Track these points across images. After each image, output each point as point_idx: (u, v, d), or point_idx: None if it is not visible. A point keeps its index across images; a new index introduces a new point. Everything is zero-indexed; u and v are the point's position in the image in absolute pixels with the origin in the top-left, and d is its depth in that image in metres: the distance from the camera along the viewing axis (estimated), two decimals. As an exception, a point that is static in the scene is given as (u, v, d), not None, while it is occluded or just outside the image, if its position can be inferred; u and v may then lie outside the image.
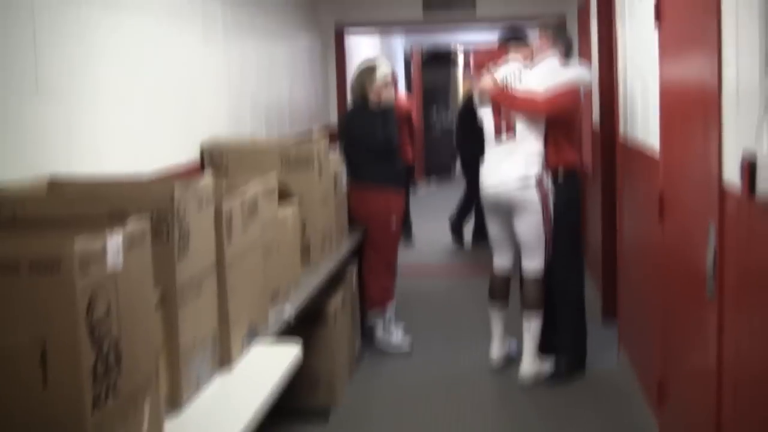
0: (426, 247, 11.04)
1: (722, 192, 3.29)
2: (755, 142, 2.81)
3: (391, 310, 6.76)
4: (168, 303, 2.93)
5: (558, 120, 5.87)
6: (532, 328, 6.03)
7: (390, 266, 6.78)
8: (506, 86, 5.90)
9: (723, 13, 3.27)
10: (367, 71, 6.68)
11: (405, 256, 9.08)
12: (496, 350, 6.35)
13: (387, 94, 6.68)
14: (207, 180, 3.27)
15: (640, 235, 5.37)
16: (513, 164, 5.85)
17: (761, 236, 2.83)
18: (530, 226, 5.89)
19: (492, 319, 6.34)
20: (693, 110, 3.81)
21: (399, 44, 16.60)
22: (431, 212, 13.55)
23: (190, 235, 3.04)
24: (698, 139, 3.68)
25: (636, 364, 5.62)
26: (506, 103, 5.86)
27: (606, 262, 7.08)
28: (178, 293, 2.95)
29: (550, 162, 5.89)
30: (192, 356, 3.10)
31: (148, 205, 2.87)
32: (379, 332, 6.75)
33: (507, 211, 5.96)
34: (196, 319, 3.15)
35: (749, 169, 2.76)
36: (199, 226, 3.15)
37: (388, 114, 6.62)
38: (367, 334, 6.76)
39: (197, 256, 3.13)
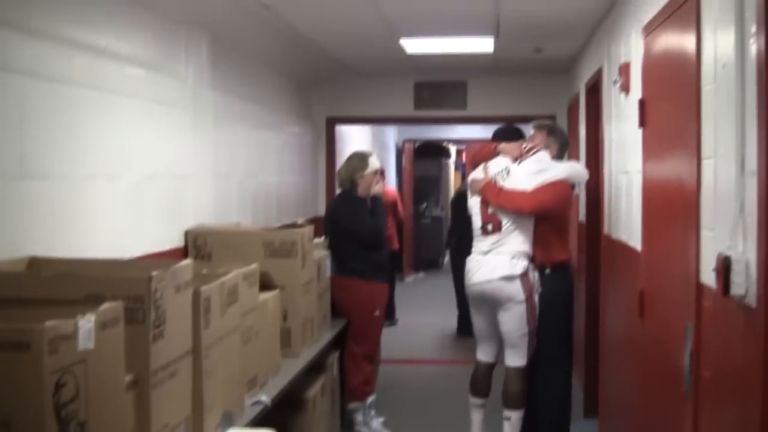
0: (411, 335, 11.01)
1: (699, 292, 3.32)
2: (730, 244, 2.86)
3: (371, 400, 6.73)
4: (141, 386, 2.92)
5: (547, 217, 5.85)
6: (512, 426, 5.95)
7: (371, 357, 6.76)
8: (494, 181, 5.90)
9: (702, 119, 3.35)
10: (359, 162, 6.74)
11: (389, 343, 9.06)
12: None
13: (376, 189, 6.75)
14: (186, 263, 3.29)
15: (621, 330, 5.38)
16: (498, 260, 5.80)
17: (736, 336, 2.86)
18: (514, 322, 5.81)
19: (471, 413, 6.27)
20: (673, 211, 3.86)
21: (391, 136, 16.75)
22: (418, 301, 13.59)
23: (167, 318, 3.04)
24: (678, 239, 3.72)
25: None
26: (491, 200, 5.84)
27: (588, 357, 7.08)
28: (151, 376, 2.94)
29: (537, 259, 5.86)
30: (163, 441, 3.10)
31: (124, 287, 2.88)
32: (359, 422, 6.71)
33: (491, 305, 5.91)
34: (170, 403, 3.13)
35: (724, 270, 2.79)
36: (176, 309, 3.16)
37: (376, 206, 6.67)
38: (347, 423, 6.72)
39: (173, 339, 3.13)
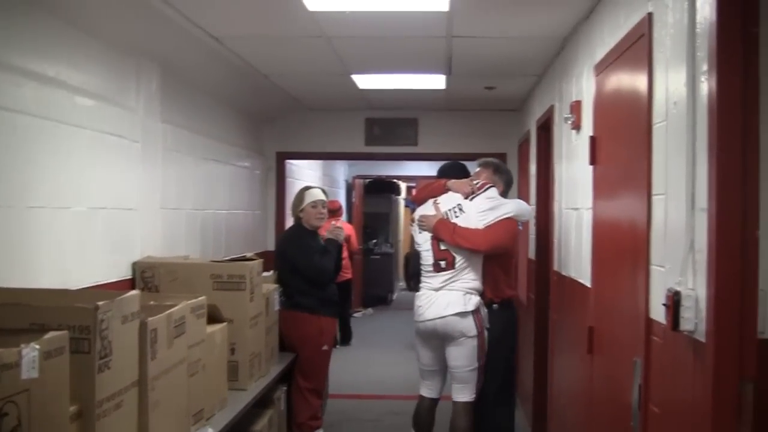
0: (359, 370, 10.96)
1: (649, 327, 3.35)
2: (680, 280, 2.88)
3: (319, 436, 6.69)
4: (85, 417, 2.87)
5: (496, 254, 5.86)
6: None
7: (319, 392, 6.71)
8: (447, 218, 5.89)
9: (653, 156, 3.39)
10: (297, 199, 6.73)
11: (337, 377, 9.02)
12: None
13: (336, 234, 6.74)
14: (133, 294, 3.26)
15: (570, 366, 5.40)
16: (451, 297, 5.78)
17: (685, 371, 2.88)
18: (465, 358, 5.80)
19: None
20: (623, 247, 3.89)
21: (341, 172, 16.75)
22: (367, 337, 13.57)
23: (113, 348, 3.00)
24: (627, 275, 3.75)
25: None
26: (446, 237, 5.81)
27: (537, 393, 7.08)
28: (96, 408, 2.90)
29: (486, 295, 5.87)
30: (107, 474, 3.04)
31: (70, 316, 2.85)
32: (307, 457, 6.66)
33: (441, 340, 5.89)
34: (114, 435, 3.10)
35: (674, 305, 2.83)
36: (123, 340, 3.12)
37: (330, 247, 6.64)
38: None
39: (119, 370, 3.09)
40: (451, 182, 6.05)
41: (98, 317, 2.88)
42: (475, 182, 5.99)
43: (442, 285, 5.83)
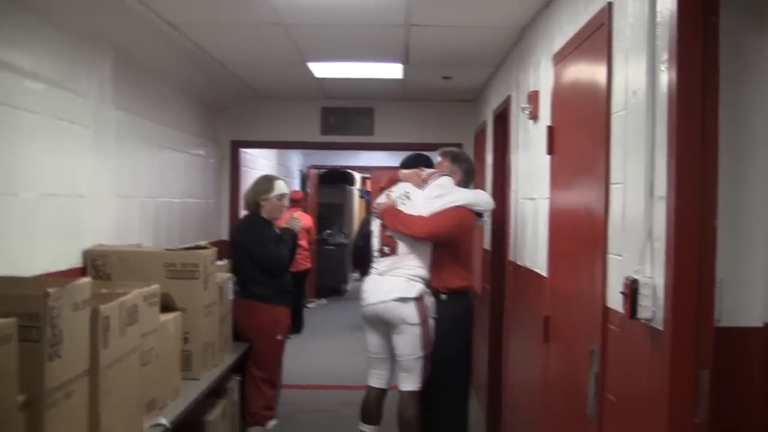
0: (313, 361, 10.94)
1: (606, 316, 3.35)
2: (638, 268, 2.88)
3: (272, 425, 6.63)
4: (34, 407, 2.80)
5: (444, 243, 5.85)
6: None
7: (273, 382, 6.67)
8: (395, 205, 5.93)
9: (612, 145, 3.39)
10: (265, 184, 6.68)
11: (291, 368, 8.98)
12: None
13: (293, 224, 6.70)
14: (84, 281, 3.19)
15: (525, 356, 5.40)
16: (393, 282, 5.82)
17: (642, 359, 2.88)
18: (408, 346, 5.80)
19: None
20: (580, 236, 3.89)
21: (296, 161, 16.67)
22: (321, 327, 13.55)
23: (64, 337, 2.94)
24: (584, 264, 3.74)
25: (518, 489, 5.60)
26: (388, 223, 5.88)
27: (492, 383, 7.08)
28: (45, 397, 2.83)
29: (433, 284, 5.87)
30: (57, 464, 2.98)
31: (19, 303, 2.78)
32: (260, 447, 6.62)
33: (386, 327, 5.90)
34: (65, 425, 3.02)
35: (632, 293, 2.83)
36: (74, 328, 3.06)
37: (286, 237, 6.60)
38: (247, 448, 6.62)
39: (70, 359, 3.03)
40: (403, 172, 6.11)
41: (48, 304, 2.81)
42: (424, 171, 6.01)
43: (385, 270, 5.89)
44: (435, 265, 5.88)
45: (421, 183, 5.97)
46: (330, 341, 12.39)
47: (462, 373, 6.03)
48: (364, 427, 6.20)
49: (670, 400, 2.61)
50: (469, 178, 6.17)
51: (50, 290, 2.83)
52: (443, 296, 5.87)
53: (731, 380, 2.71)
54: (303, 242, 12.41)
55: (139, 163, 6.33)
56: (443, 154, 6.16)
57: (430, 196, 5.87)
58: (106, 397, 3.37)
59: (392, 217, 5.87)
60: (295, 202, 13.56)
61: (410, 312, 5.73)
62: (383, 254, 5.94)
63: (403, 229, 5.80)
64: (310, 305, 15.48)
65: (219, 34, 6.25)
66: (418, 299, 5.75)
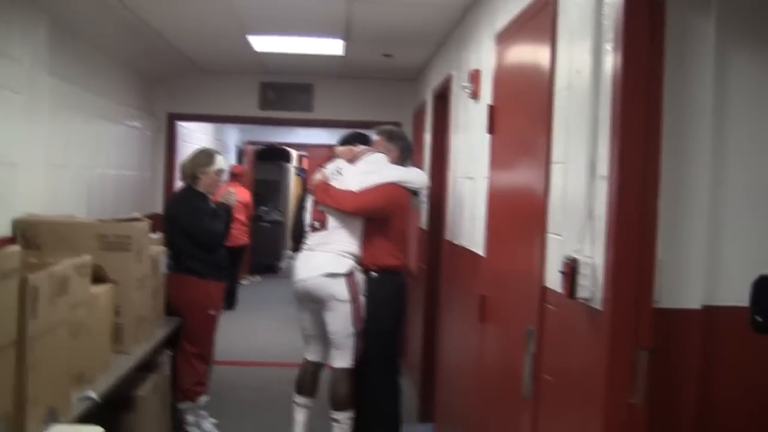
0: (246, 337, 10.88)
1: (543, 296, 3.34)
2: (578, 248, 2.87)
3: (203, 401, 6.58)
4: (-43, 377, 2.75)
5: (374, 219, 5.82)
6: (340, 428, 5.91)
7: (205, 357, 6.60)
8: (326, 181, 5.92)
9: (554, 124, 3.37)
10: (205, 158, 6.58)
11: (223, 344, 8.91)
12: None
13: (230, 199, 6.64)
14: (12, 250, 3.12)
15: (460, 335, 5.39)
16: (322, 258, 5.80)
17: (580, 339, 2.88)
18: (337, 322, 5.78)
19: (295, 412, 6.19)
20: (519, 216, 3.88)
21: (233, 137, 16.55)
22: (255, 304, 13.50)
23: (-11, 306, 2.88)
24: (523, 243, 3.73)
25: (449, 468, 5.61)
26: (318, 197, 5.88)
27: (425, 362, 7.08)
28: (-31, 367, 2.78)
29: (363, 261, 5.85)
30: (-20, 437, 2.92)
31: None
32: (191, 423, 6.55)
33: (316, 303, 5.88)
34: (-11, 396, 2.97)
35: (570, 273, 2.82)
36: (1, 297, 3.00)
37: (221, 211, 6.53)
38: (178, 423, 6.54)
39: (-4, 329, 2.97)
40: (337, 149, 6.14)
41: (-26, 272, 2.75)
42: (358, 148, 6.03)
43: (315, 245, 5.87)
44: (365, 242, 5.85)
45: (354, 159, 5.95)
46: (263, 318, 12.34)
47: (391, 352, 5.99)
48: (298, 398, 6.19)
49: (608, 381, 2.60)
50: (405, 157, 6.13)
51: (-24, 258, 2.76)
52: (373, 274, 5.84)
53: (668, 362, 2.71)
54: (241, 217, 12.49)
55: (74, 133, 6.22)
56: (379, 133, 6.14)
57: (362, 171, 5.86)
58: (33, 368, 3.30)
59: (322, 191, 5.86)
60: (235, 177, 13.62)
61: (340, 288, 5.72)
62: (314, 229, 5.92)
63: (332, 203, 5.79)
64: (243, 282, 15.37)
65: (158, 2, 6.13)
66: (348, 275, 5.73)
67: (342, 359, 5.86)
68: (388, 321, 5.90)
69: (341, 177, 5.90)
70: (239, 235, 12.44)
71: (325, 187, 5.87)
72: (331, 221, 5.84)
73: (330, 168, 6.03)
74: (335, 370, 5.91)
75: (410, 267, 6.07)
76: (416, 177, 6.00)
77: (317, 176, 6.05)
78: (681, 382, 2.74)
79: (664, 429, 2.71)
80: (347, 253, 5.78)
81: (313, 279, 5.78)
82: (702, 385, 2.76)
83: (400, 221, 5.91)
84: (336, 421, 5.91)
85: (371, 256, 5.83)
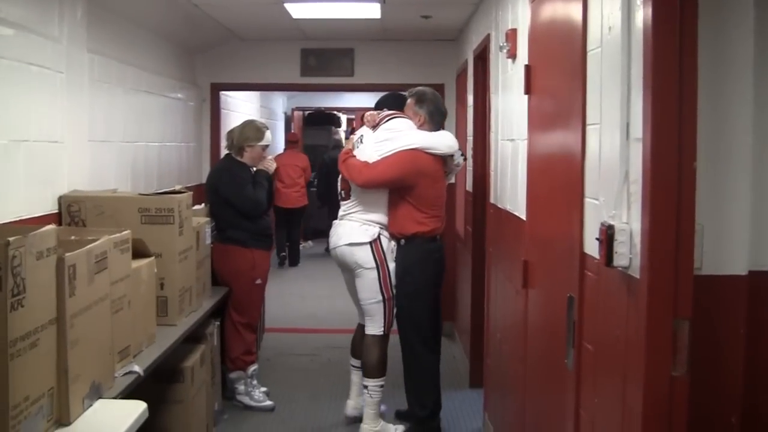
0: (295, 304, 10.93)
1: (583, 263, 3.27)
2: (615, 213, 2.79)
3: (253, 370, 6.61)
4: (-3, 357, 2.77)
5: (400, 187, 5.78)
6: (369, 395, 5.94)
7: (253, 326, 6.63)
8: (352, 149, 5.95)
9: (588, 84, 3.27)
10: (255, 132, 6.58)
11: (272, 312, 8.96)
12: (351, 408, 6.28)
13: (262, 163, 6.62)
14: (48, 229, 3.12)
15: (505, 301, 5.34)
16: (347, 228, 5.87)
17: (619, 308, 2.80)
18: (366, 290, 5.83)
19: (351, 374, 6.26)
20: (558, 179, 3.80)
21: (280, 103, 16.54)
22: (305, 270, 13.58)
23: (27, 286, 2.88)
24: (562, 207, 3.66)
25: (500, 430, 5.57)
26: (339, 167, 5.95)
27: (475, 327, 7.04)
28: (9, 347, 2.79)
29: (390, 228, 5.86)
30: (24, 414, 2.93)
31: (-21, 253, 2.73)
32: (241, 392, 6.59)
33: (348, 271, 5.98)
34: (31, 375, 2.98)
35: (607, 239, 2.73)
36: (38, 277, 3.00)
37: (260, 178, 6.51)
38: (228, 393, 6.59)
39: (35, 308, 2.98)
40: (365, 114, 6.08)
41: (9, 254, 2.75)
42: (379, 113, 5.98)
43: (343, 214, 5.96)
44: (391, 210, 5.87)
45: (375, 126, 5.92)
46: (314, 284, 12.36)
47: (425, 318, 5.94)
48: (353, 360, 6.30)
49: (648, 353, 2.52)
50: (433, 120, 6.00)
51: (11, 239, 2.77)
52: (402, 241, 5.84)
53: (712, 332, 2.63)
54: (300, 180, 13.84)
55: (115, 108, 6.23)
56: (410, 94, 6.04)
57: (379, 139, 5.83)
58: (74, 345, 3.32)
59: (342, 161, 5.92)
60: (292, 144, 13.86)
61: (365, 256, 5.78)
62: (342, 199, 5.99)
63: (347, 175, 5.86)
64: (303, 245, 15.46)
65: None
66: (372, 243, 5.76)
67: (373, 326, 5.91)
68: (420, 287, 5.87)
69: (361, 146, 5.91)
70: (297, 197, 13.63)
71: (345, 156, 5.90)
72: (354, 190, 5.89)
73: (357, 135, 6.05)
74: (366, 337, 5.95)
75: (441, 231, 5.94)
76: (440, 141, 5.88)
77: (348, 144, 6.08)
78: (726, 354, 2.64)
79: (707, 403, 2.63)
80: (371, 221, 5.82)
81: (340, 248, 5.87)
82: (748, 356, 2.66)
83: (426, 188, 5.81)
84: (365, 387, 5.96)
85: (397, 224, 5.83)
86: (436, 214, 5.87)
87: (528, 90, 4.48)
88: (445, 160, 5.88)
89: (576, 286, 3.32)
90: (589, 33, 3.26)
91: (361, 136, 5.96)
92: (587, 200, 3.25)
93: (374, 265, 5.74)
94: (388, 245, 5.82)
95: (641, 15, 2.60)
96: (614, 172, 2.82)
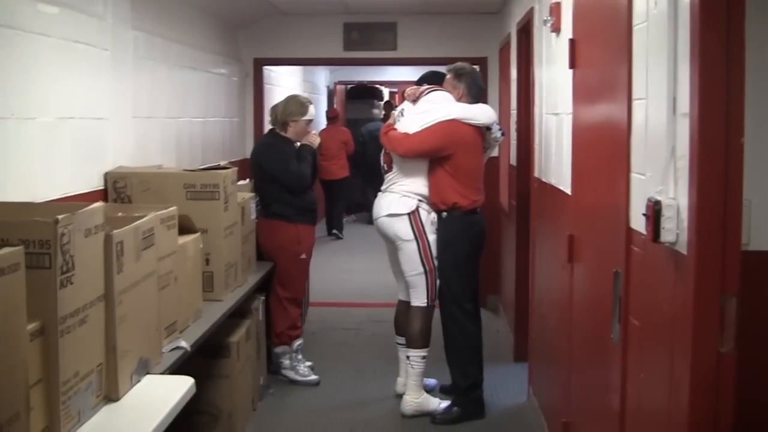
0: (339, 278, 10.96)
1: (629, 238, 3.25)
2: (661, 188, 2.77)
3: (298, 344, 6.65)
4: (48, 334, 2.78)
5: (437, 158, 5.81)
6: (411, 365, 5.98)
7: (298, 301, 6.67)
8: (392, 123, 6.04)
9: (634, 58, 3.25)
10: (298, 107, 6.56)
11: (317, 286, 9.00)
12: (401, 385, 6.28)
13: (311, 140, 6.63)
14: (96, 206, 3.14)
15: (550, 275, 5.33)
16: (387, 199, 5.97)
17: (666, 284, 2.79)
18: (407, 262, 5.90)
19: (399, 353, 6.29)
20: (603, 154, 3.77)
21: (322, 78, 16.55)
22: (347, 244, 13.59)
23: (75, 263, 2.91)
24: (608, 182, 3.64)
25: (544, 404, 5.58)
26: (382, 140, 6.02)
27: (519, 301, 7.03)
28: (59, 324, 2.81)
29: (431, 199, 5.89)
30: (73, 390, 2.96)
31: (29, 230, 2.75)
32: (286, 366, 6.63)
33: (391, 243, 6.03)
34: (80, 351, 3.01)
35: (654, 215, 2.71)
36: (87, 254, 3.02)
37: (305, 153, 6.52)
38: (273, 368, 6.64)
39: (83, 285, 3.00)
40: (406, 89, 6.21)
41: (58, 231, 2.77)
42: (419, 87, 6.05)
43: (385, 187, 6.05)
44: (431, 181, 5.90)
45: (416, 99, 5.99)
46: (359, 257, 12.38)
47: (467, 290, 5.97)
48: (398, 338, 6.35)
49: (695, 329, 2.50)
50: (471, 93, 6.04)
51: (60, 217, 2.79)
52: (444, 213, 5.86)
53: (760, 308, 2.61)
54: (341, 153, 14.24)
55: (159, 84, 6.26)
56: (449, 70, 6.10)
57: (419, 111, 5.89)
58: (122, 321, 3.35)
59: (384, 134, 6.00)
60: (333, 120, 13.97)
61: (404, 228, 5.85)
62: (384, 171, 6.08)
63: (389, 147, 5.94)
64: (345, 219, 15.51)
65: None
66: (411, 214, 5.83)
67: (417, 297, 5.96)
68: (460, 260, 5.89)
69: (402, 119, 5.97)
70: (337, 169, 14.05)
71: (386, 129, 5.98)
72: (396, 162, 5.96)
73: (398, 109, 6.13)
74: (411, 308, 6.01)
75: (481, 204, 5.93)
76: (480, 113, 5.92)
77: (390, 119, 6.13)
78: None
79: (755, 379, 2.62)
80: (411, 192, 5.87)
81: (381, 219, 5.96)
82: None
83: (465, 158, 5.83)
84: (407, 358, 6.01)
85: (437, 195, 5.86)
86: (474, 185, 5.88)
87: (573, 64, 4.45)
88: (483, 133, 5.87)
89: (622, 261, 3.31)
90: (635, 8, 3.23)
91: (402, 109, 6.03)
92: (633, 175, 3.23)
93: (413, 237, 5.81)
94: (428, 217, 5.86)
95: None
96: (661, 147, 2.80)
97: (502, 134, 6.06)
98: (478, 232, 5.96)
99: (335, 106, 17.11)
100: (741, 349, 2.49)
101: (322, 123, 14.93)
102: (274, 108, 6.71)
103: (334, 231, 14.56)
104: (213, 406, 5.24)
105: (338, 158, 14.16)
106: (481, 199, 5.95)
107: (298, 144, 6.58)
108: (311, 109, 6.63)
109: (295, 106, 6.59)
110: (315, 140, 6.72)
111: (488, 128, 5.92)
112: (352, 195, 16.15)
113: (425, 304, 5.93)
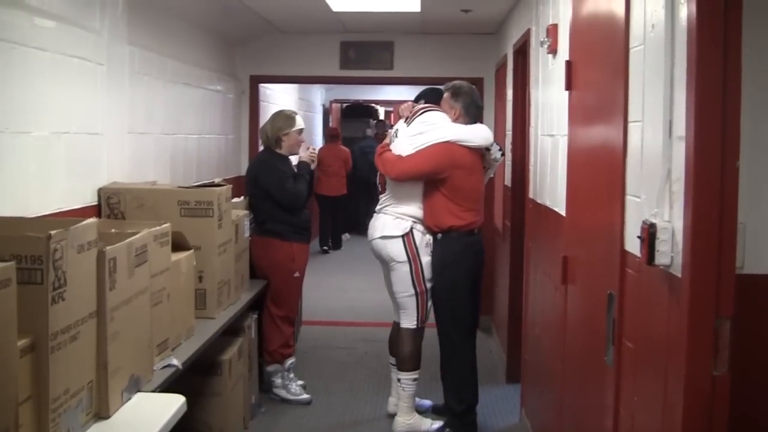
0: (333, 297, 10.93)
1: (623, 260, 3.25)
2: (656, 211, 2.77)
3: (290, 363, 6.62)
4: (38, 350, 2.77)
5: (434, 180, 5.75)
6: (402, 387, 5.95)
7: (291, 319, 6.64)
8: (388, 143, 5.99)
9: (630, 81, 3.25)
10: (285, 120, 6.56)
11: (310, 304, 8.98)
12: (392, 405, 6.26)
13: (305, 156, 6.62)
14: (89, 222, 3.13)
15: (544, 297, 5.32)
16: (381, 221, 5.92)
17: (660, 306, 2.78)
18: (399, 283, 5.86)
19: (392, 374, 6.27)
20: (599, 175, 3.78)
21: (318, 96, 16.57)
22: (342, 263, 13.55)
23: (68, 279, 2.90)
24: (602, 204, 3.64)
25: (537, 426, 5.56)
26: (375, 160, 6.01)
27: (512, 322, 7.02)
28: (50, 340, 2.80)
29: (426, 221, 5.84)
30: (63, 407, 2.94)
31: (22, 246, 2.74)
32: (278, 385, 6.61)
33: (384, 265, 6.00)
34: (71, 368, 3.00)
35: (649, 238, 2.71)
36: (79, 270, 3.01)
37: (302, 171, 6.52)
38: (265, 386, 6.61)
39: (75, 301, 2.99)
40: (400, 107, 6.14)
41: (51, 247, 2.77)
42: (414, 105, 6.00)
43: (380, 208, 5.99)
44: (426, 203, 5.84)
45: (409, 119, 5.93)
46: (352, 276, 12.35)
47: (461, 312, 5.91)
48: (391, 358, 6.31)
49: (689, 352, 2.50)
50: (469, 113, 5.95)
51: (53, 232, 2.79)
52: (439, 235, 5.82)
53: (754, 331, 2.61)
54: (341, 171, 14.48)
55: (155, 100, 6.25)
56: (446, 89, 6.03)
57: (412, 133, 5.82)
58: (114, 338, 3.34)
59: (378, 155, 5.96)
60: (333, 138, 14.05)
61: (397, 249, 5.80)
62: (379, 192, 6.11)
63: (382, 169, 5.91)
64: (344, 236, 15.53)
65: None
66: (405, 236, 5.78)
67: (407, 319, 5.92)
68: (458, 281, 5.83)
69: (396, 139, 5.92)
70: (337, 186, 14.35)
71: (381, 150, 5.94)
72: (389, 183, 5.94)
73: (394, 128, 6.08)
74: (401, 330, 5.97)
75: (479, 225, 5.91)
76: (475, 134, 5.84)
77: (387, 138, 6.10)
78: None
79: (749, 402, 2.62)
80: (405, 214, 5.83)
81: (375, 240, 5.92)
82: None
83: (462, 180, 5.77)
84: (398, 380, 5.99)
85: (432, 218, 5.82)
86: (472, 207, 5.83)
87: (569, 86, 4.46)
88: (482, 154, 5.85)
89: (616, 283, 3.30)
90: (632, 30, 3.24)
91: (397, 130, 5.98)
92: (628, 198, 3.23)
93: (406, 258, 5.76)
94: (422, 239, 5.81)
95: (685, 13, 2.59)
96: (656, 170, 2.80)
97: (502, 154, 6.01)
98: (476, 253, 5.93)
99: (331, 124, 17.15)
100: (735, 372, 2.49)
101: (318, 139, 14.97)
102: (263, 129, 6.73)
103: (325, 247, 14.70)
104: (204, 425, 5.22)
105: (339, 176, 14.39)
106: (480, 221, 5.93)
107: (298, 157, 6.56)
108: (298, 119, 6.62)
109: (282, 120, 6.59)
110: (314, 158, 6.71)
111: (487, 149, 5.87)
112: (349, 212, 16.18)
113: (414, 326, 5.88)
